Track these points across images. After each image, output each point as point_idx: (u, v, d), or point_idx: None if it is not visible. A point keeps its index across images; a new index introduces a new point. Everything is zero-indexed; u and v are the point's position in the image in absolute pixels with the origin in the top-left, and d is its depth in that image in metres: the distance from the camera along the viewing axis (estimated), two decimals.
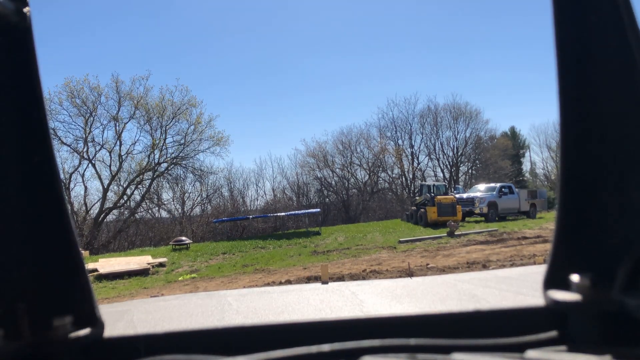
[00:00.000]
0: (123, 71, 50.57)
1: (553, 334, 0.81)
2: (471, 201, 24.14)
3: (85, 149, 31.81)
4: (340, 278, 10.95)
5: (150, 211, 35.19)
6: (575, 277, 0.79)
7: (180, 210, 36.03)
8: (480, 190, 25.74)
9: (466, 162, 44.46)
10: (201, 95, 56.84)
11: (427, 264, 12.28)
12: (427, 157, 43.40)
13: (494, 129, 46.70)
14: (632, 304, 0.73)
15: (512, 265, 11.51)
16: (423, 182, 31.94)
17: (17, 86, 0.74)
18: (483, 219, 23.74)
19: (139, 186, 33.48)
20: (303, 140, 49.99)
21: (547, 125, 46.58)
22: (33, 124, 0.75)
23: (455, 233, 17.87)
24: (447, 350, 0.74)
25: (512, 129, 50.73)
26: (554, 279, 0.83)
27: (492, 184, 26.68)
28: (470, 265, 11.85)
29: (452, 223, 18.45)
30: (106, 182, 32.42)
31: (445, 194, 24.12)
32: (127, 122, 32.72)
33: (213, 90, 50.28)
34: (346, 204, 38.86)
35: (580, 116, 0.80)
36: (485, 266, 11.46)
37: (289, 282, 11.07)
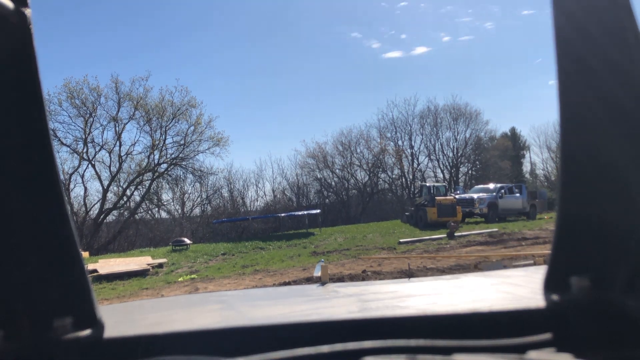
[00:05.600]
0: (123, 72, 50.60)
1: (553, 335, 0.81)
2: (471, 201, 24.12)
3: (84, 150, 31.84)
4: (340, 279, 10.95)
5: (150, 212, 35.23)
6: (575, 279, 0.79)
7: (180, 211, 36.07)
8: (489, 189, 25.67)
9: (466, 162, 44.47)
10: (201, 96, 56.86)
11: (426, 265, 12.28)
12: (427, 158, 43.46)
13: (494, 130, 46.80)
14: (632, 305, 0.73)
15: (512, 267, 11.49)
16: (423, 183, 31.94)
17: (17, 87, 0.74)
18: (483, 219, 23.72)
19: (139, 187, 33.49)
20: (303, 141, 50.12)
21: (547, 126, 46.61)
22: (33, 124, 0.75)
23: (455, 234, 17.86)
24: (447, 351, 0.74)
25: (512, 130, 50.77)
26: (554, 281, 0.83)
27: (498, 184, 26.64)
28: (470, 266, 11.85)
29: (452, 224, 18.44)
30: (106, 182, 32.44)
31: (445, 194, 24.11)
32: (126, 123, 32.74)
33: (213, 91, 50.33)
34: (346, 205, 38.85)
35: (580, 117, 0.81)
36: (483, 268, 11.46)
37: (288, 283, 11.06)
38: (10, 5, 0.71)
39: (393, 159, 41.65)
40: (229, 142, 33.79)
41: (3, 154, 0.75)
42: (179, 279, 13.14)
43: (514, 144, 48.24)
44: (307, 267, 13.33)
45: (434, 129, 43.03)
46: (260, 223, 30.33)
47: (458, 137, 43.35)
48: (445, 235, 17.93)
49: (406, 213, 25.00)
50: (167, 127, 33.22)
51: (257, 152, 79.10)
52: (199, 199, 36.59)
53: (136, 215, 33.60)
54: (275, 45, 55.54)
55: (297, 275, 12.00)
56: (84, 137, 31.52)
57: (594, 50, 0.79)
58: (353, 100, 59.21)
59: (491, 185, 26.57)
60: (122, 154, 32.73)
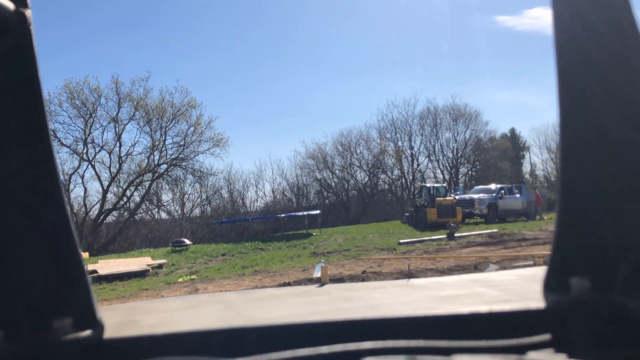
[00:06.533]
0: (123, 72, 50.63)
1: (553, 335, 0.81)
2: (471, 202, 24.13)
3: (84, 150, 31.84)
4: (340, 279, 10.94)
5: (149, 212, 35.27)
6: (575, 280, 0.79)
7: (179, 211, 36.09)
8: (491, 190, 25.63)
9: (466, 163, 44.49)
10: (201, 96, 56.85)
11: (426, 266, 12.28)
12: (427, 159, 43.47)
13: (494, 131, 46.75)
14: (632, 307, 0.74)
15: (512, 267, 11.50)
16: (423, 184, 31.94)
17: (17, 88, 0.74)
18: (483, 220, 23.73)
19: (139, 187, 33.49)
20: (303, 141, 50.11)
21: (547, 126, 46.57)
22: (33, 125, 0.75)
23: (455, 235, 17.86)
24: (447, 352, 0.74)
25: (512, 131, 50.71)
26: (554, 281, 0.83)
27: (499, 185, 26.63)
28: (470, 267, 11.85)
29: (452, 225, 18.44)
30: (106, 183, 32.45)
31: (445, 195, 24.12)
32: (126, 124, 32.76)
33: (213, 92, 50.32)
34: (346, 206, 38.87)
35: (580, 118, 0.81)
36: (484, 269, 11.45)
37: (288, 283, 11.05)
38: (11, 6, 0.71)
39: (393, 160, 41.71)
40: (228, 142, 33.83)
41: (3, 155, 0.75)
42: (179, 280, 13.14)
43: (513, 145, 48.21)
44: (307, 268, 13.32)
45: (434, 129, 43.09)
46: (260, 224, 30.34)
47: (458, 137, 43.41)
48: (445, 236, 17.93)
49: (406, 214, 24.99)
50: (167, 128, 33.27)
51: (257, 153, 79.07)
52: (198, 199, 36.65)
53: (136, 216, 33.61)
54: (275, 46, 55.59)
55: (297, 276, 11.99)
56: (84, 137, 31.56)
57: (593, 49, 0.79)
58: (353, 100, 59.21)
59: (493, 186, 26.55)
60: (122, 155, 32.77)
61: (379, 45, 57.99)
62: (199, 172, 34.72)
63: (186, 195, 36.28)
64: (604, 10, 0.78)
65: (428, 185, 27.32)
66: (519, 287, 8.20)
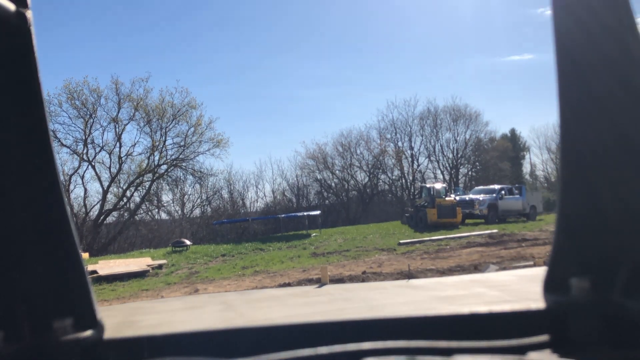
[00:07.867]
0: (123, 73, 50.54)
1: (553, 336, 0.81)
2: (471, 203, 24.13)
3: (85, 151, 31.82)
4: (340, 280, 10.94)
5: (149, 213, 35.24)
6: (575, 280, 0.79)
7: (180, 212, 36.08)
8: (493, 190, 25.57)
9: (466, 164, 44.45)
10: (201, 97, 56.82)
11: (426, 266, 12.28)
12: (427, 159, 43.44)
13: (494, 131, 46.68)
14: (632, 307, 0.74)
15: (512, 268, 11.51)
16: (423, 184, 31.91)
17: (17, 88, 0.74)
18: (483, 220, 23.72)
19: (139, 188, 33.46)
20: (303, 142, 50.04)
21: (547, 127, 46.52)
22: (33, 125, 0.75)
23: (455, 235, 17.83)
24: (447, 352, 0.74)
25: (512, 131, 50.67)
26: (554, 282, 0.84)
27: (500, 186, 26.61)
28: (470, 268, 11.86)
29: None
30: (106, 184, 32.43)
31: (445, 196, 24.11)
32: (126, 124, 32.72)
33: (213, 92, 50.33)
34: (346, 206, 38.86)
35: (580, 119, 0.81)
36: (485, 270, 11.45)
37: (288, 284, 11.05)
38: (11, 6, 0.71)
39: (393, 160, 41.68)
40: (229, 143, 33.80)
41: (3, 155, 0.75)
42: (179, 280, 13.14)
43: (513, 145, 48.14)
44: (307, 269, 13.32)
45: (434, 130, 43.06)
46: (260, 224, 30.35)
47: (458, 138, 43.37)
48: (445, 237, 17.92)
49: (406, 214, 24.98)
50: (167, 129, 33.23)
51: (257, 153, 79.16)
52: (198, 200, 36.65)
53: (136, 217, 33.60)
54: (275, 47, 55.62)
55: (297, 277, 11.99)
56: (84, 138, 31.54)
57: (593, 50, 0.79)
58: (354, 101, 59.21)
59: (493, 187, 26.50)
60: (122, 155, 32.74)
61: (379, 45, 58.06)
62: (199, 173, 34.71)
63: (186, 196, 36.31)
64: (604, 12, 0.78)
65: (428, 185, 27.30)
66: (518, 288, 8.20)
